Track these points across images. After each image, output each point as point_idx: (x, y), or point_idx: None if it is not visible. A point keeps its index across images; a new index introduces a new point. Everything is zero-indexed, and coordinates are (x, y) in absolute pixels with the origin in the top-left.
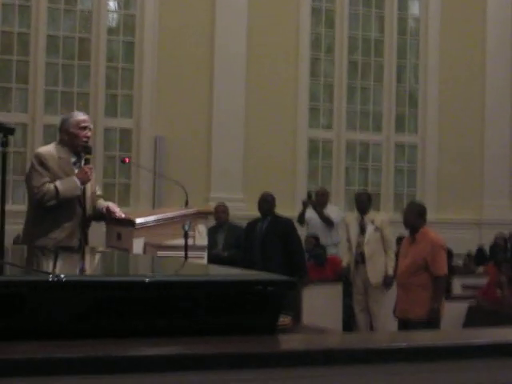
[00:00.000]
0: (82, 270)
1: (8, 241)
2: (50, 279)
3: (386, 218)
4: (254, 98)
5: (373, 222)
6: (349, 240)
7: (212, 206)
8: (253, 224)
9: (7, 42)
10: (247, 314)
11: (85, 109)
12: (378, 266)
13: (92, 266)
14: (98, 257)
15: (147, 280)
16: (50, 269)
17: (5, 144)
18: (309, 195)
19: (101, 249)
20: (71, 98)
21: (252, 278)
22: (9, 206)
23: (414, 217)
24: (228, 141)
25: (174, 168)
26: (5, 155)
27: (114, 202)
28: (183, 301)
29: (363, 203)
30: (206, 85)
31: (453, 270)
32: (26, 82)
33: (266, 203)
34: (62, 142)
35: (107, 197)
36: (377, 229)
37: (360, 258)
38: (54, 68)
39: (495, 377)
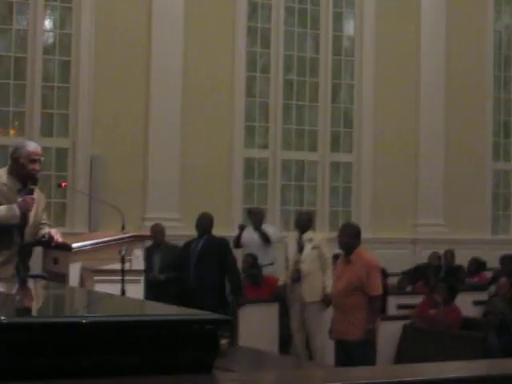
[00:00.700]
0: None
1: None
2: None
3: (325, 236)
4: (189, 116)
5: (311, 241)
6: (287, 259)
7: (148, 225)
8: (189, 244)
9: None
10: (184, 353)
11: (20, 128)
12: (315, 284)
13: (28, 304)
14: (34, 293)
15: (84, 321)
16: None
17: None
18: (249, 211)
19: (37, 281)
20: (7, 117)
21: (189, 318)
22: None
23: (349, 238)
24: (164, 160)
25: (110, 187)
26: None
27: (49, 221)
28: (120, 341)
29: (303, 222)
30: (142, 104)
31: (387, 290)
32: None
33: (203, 223)
34: (9, 169)
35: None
36: (315, 247)
37: (296, 276)
38: None
39: None
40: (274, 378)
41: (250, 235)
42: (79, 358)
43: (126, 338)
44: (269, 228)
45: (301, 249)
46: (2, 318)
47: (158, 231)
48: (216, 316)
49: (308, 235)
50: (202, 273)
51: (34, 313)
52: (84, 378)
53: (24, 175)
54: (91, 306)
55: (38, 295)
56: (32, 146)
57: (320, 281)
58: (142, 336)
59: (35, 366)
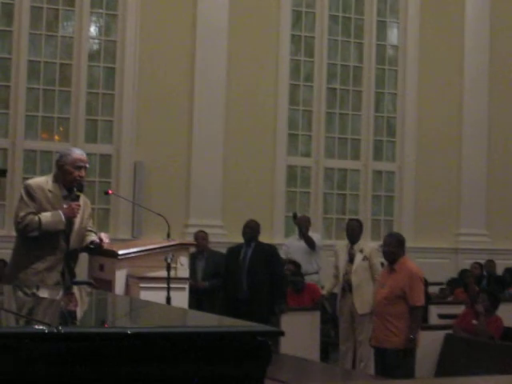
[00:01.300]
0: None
1: None
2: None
3: (375, 247)
4: (233, 124)
5: (362, 251)
6: (336, 267)
7: (191, 232)
8: (235, 250)
9: None
10: (237, 365)
11: (65, 134)
12: (366, 295)
13: (73, 313)
14: (79, 300)
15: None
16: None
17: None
18: (294, 215)
19: (83, 287)
20: (51, 123)
21: (243, 330)
22: None
23: (394, 248)
24: (207, 167)
25: (153, 193)
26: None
27: (94, 228)
28: (172, 352)
29: (354, 231)
30: (185, 111)
31: (429, 299)
32: (7, 107)
33: (251, 230)
34: (55, 176)
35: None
36: (365, 258)
37: (347, 287)
38: (35, 93)
39: None
40: None
41: (295, 241)
42: (131, 367)
43: (179, 349)
44: (314, 235)
45: (351, 259)
46: (53, 327)
47: (201, 237)
48: (269, 328)
49: (359, 246)
50: (254, 281)
51: (78, 322)
52: None
53: (70, 182)
54: (141, 314)
55: (83, 303)
56: (78, 153)
57: (370, 292)
58: (194, 347)
59: (80, 375)
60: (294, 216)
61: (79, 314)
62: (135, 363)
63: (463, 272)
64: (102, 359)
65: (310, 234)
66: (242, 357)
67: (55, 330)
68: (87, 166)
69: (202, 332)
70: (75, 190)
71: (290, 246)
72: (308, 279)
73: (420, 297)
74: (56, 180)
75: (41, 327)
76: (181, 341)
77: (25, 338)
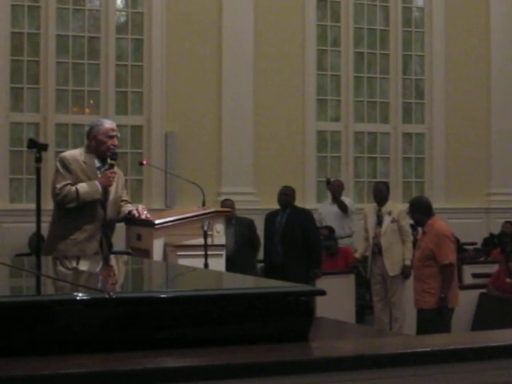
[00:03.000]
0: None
1: (24, 239)
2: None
3: (403, 208)
4: (262, 92)
5: (390, 214)
6: (366, 230)
7: (223, 199)
8: (272, 216)
9: (17, 42)
10: (282, 324)
11: (95, 107)
12: (396, 257)
13: (122, 279)
14: (123, 269)
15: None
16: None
17: (39, 160)
18: (328, 181)
19: (122, 257)
20: (82, 97)
21: (287, 290)
22: (23, 205)
23: (418, 215)
24: (237, 135)
25: (184, 163)
26: (39, 170)
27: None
28: (223, 313)
29: (381, 194)
30: (214, 80)
31: (462, 259)
32: (37, 82)
33: (286, 196)
34: (88, 148)
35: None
36: (394, 220)
37: (377, 250)
38: (64, 67)
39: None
40: (361, 345)
41: (327, 206)
42: (180, 329)
43: (224, 310)
44: (346, 199)
45: (380, 222)
46: (111, 293)
47: (227, 206)
48: (311, 288)
49: (387, 208)
50: (289, 246)
51: (127, 287)
52: (181, 348)
53: (103, 152)
54: (187, 279)
55: (126, 270)
56: (108, 123)
57: (400, 253)
58: (240, 308)
59: (131, 338)
60: (328, 182)
61: (125, 280)
62: (184, 325)
63: (497, 235)
64: (152, 322)
65: (343, 198)
66: (285, 317)
67: (107, 296)
68: (118, 135)
69: (247, 293)
70: (109, 159)
71: (323, 212)
72: (341, 243)
73: (448, 255)
74: (89, 151)
75: (94, 293)
76: (226, 302)
77: (79, 304)
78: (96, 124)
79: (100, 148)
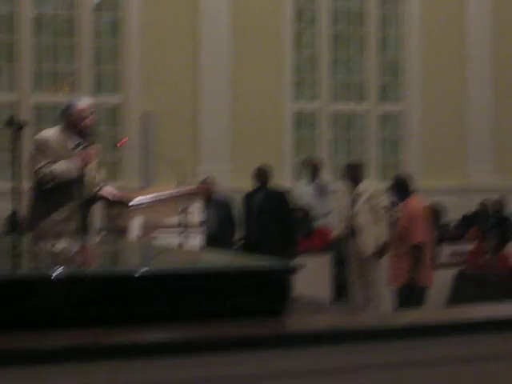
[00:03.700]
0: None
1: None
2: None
3: (378, 187)
4: (239, 71)
5: (363, 193)
6: (341, 210)
7: (201, 179)
8: (248, 196)
9: None
10: (258, 299)
11: (72, 86)
12: (370, 236)
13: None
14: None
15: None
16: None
17: (17, 138)
18: (305, 160)
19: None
20: (58, 76)
21: (263, 266)
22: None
23: (397, 192)
24: (215, 114)
25: (162, 142)
26: (17, 149)
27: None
28: (201, 289)
29: (353, 174)
30: (191, 59)
31: (440, 237)
32: (13, 61)
33: (262, 175)
34: (64, 127)
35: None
36: (368, 199)
37: (352, 229)
38: (41, 46)
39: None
40: (336, 320)
41: (303, 187)
42: (156, 304)
43: (204, 286)
44: (324, 178)
45: (354, 201)
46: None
47: (208, 183)
48: (288, 264)
49: (360, 187)
50: (265, 225)
51: (100, 265)
52: (165, 323)
53: (79, 130)
54: (168, 257)
55: (102, 249)
56: (83, 102)
57: (375, 232)
58: (218, 284)
59: (103, 314)
60: (306, 161)
61: (102, 258)
62: (161, 302)
63: (473, 214)
64: (128, 299)
65: (321, 176)
66: (263, 292)
67: (81, 273)
68: (94, 114)
69: (225, 270)
70: (86, 138)
71: (299, 192)
72: (319, 222)
73: (419, 235)
74: (64, 131)
75: (68, 270)
76: (204, 278)
77: (53, 282)
78: (70, 103)
79: (75, 127)
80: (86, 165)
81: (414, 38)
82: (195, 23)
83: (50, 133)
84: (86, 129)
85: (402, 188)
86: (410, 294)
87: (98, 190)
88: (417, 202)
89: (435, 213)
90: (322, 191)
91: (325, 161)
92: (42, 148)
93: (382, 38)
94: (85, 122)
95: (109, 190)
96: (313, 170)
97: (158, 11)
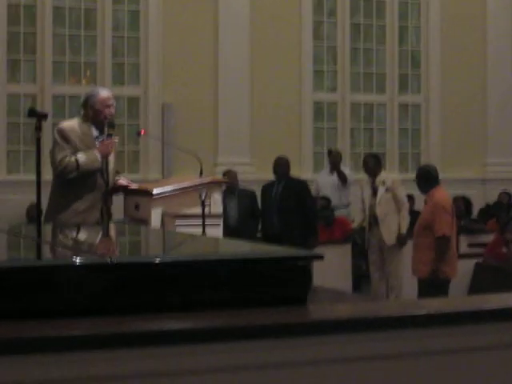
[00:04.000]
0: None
1: (22, 210)
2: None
3: (397, 178)
4: (258, 63)
5: (384, 184)
6: (362, 201)
7: (220, 171)
8: (267, 188)
9: (14, 14)
10: (281, 288)
11: (92, 78)
12: (392, 226)
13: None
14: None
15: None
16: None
17: (39, 129)
18: (329, 151)
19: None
20: (79, 68)
21: (286, 255)
22: (21, 176)
23: (422, 182)
24: (234, 106)
25: (181, 134)
26: (39, 140)
27: (123, 169)
28: (223, 277)
29: (371, 166)
30: (211, 51)
31: (460, 229)
32: (34, 53)
33: (281, 167)
34: (85, 117)
35: (117, 164)
36: (388, 190)
37: (373, 220)
38: (61, 38)
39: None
40: (358, 309)
41: (325, 176)
42: (179, 292)
43: (228, 273)
44: (345, 169)
45: (375, 192)
46: (112, 258)
47: (231, 177)
48: (309, 252)
49: (380, 178)
50: (285, 216)
51: (128, 253)
52: (184, 312)
53: (100, 121)
54: (189, 245)
55: (127, 237)
56: (104, 92)
57: (396, 223)
58: (242, 272)
59: (134, 300)
60: (329, 152)
61: (126, 247)
62: (184, 290)
63: (493, 205)
64: (152, 287)
65: (342, 168)
66: (284, 281)
67: (109, 261)
68: (115, 103)
69: (247, 258)
70: (107, 127)
71: (320, 181)
72: (338, 213)
73: (443, 227)
74: (86, 121)
75: (96, 259)
76: (226, 267)
77: (82, 270)
78: (92, 93)
79: (97, 117)
80: (108, 154)
81: (434, 29)
82: (215, 15)
83: (72, 122)
84: (107, 119)
85: (426, 179)
86: (433, 286)
87: (117, 181)
88: (442, 194)
89: (466, 204)
90: (343, 182)
91: (345, 152)
92: (65, 137)
93: (401, 28)
94: (106, 111)
95: (124, 182)
96: (336, 160)
97: (179, 3)
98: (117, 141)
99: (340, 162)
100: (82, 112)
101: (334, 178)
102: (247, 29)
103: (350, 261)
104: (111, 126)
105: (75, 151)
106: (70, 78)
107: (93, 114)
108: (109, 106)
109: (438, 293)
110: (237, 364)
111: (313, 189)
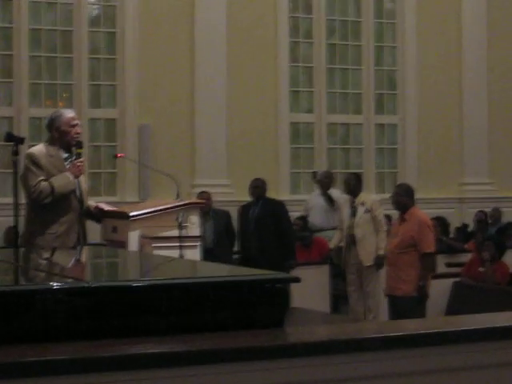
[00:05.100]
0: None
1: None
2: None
3: (376, 199)
4: (235, 84)
5: (363, 204)
6: (341, 221)
7: (197, 192)
8: (245, 209)
9: None
10: (258, 310)
11: (69, 100)
12: (370, 247)
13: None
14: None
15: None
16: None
17: (16, 153)
18: (314, 175)
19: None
20: (55, 90)
21: (264, 277)
22: None
23: (404, 197)
24: (211, 128)
25: (158, 156)
26: (16, 164)
27: (100, 192)
28: (200, 300)
29: (352, 186)
30: (187, 72)
31: (438, 248)
32: (11, 76)
33: (258, 188)
34: (51, 140)
35: (94, 187)
36: (367, 210)
37: (351, 240)
38: (38, 61)
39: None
40: (336, 330)
41: (316, 197)
42: (157, 316)
43: (201, 298)
44: (334, 191)
45: (354, 212)
46: (90, 282)
47: (204, 198)
48: (286, 275)
49: (360, 198)
50: (262, 238)
51: (105, 277)
52: (163, 336)
53: (67, 142)
54: (163, 268)
55: (103, 261)
56: (68, 112)
57: (374, 244)
58: (216, 295)
59: (108, 326)
60: (314, 175)
61: (103, 270)
62: (161, 313)
63: (475, 221)
64: (129, 310)
65: (331, 190)
66: (261, 303)
67: (86, 285)
68: (80, 122)
69: (224, 281)
70: (75, 148)
71: (311, 202)
72: (323, 235)
73: (430, 244)
74: (53, 144)
75: (74, 283)
76: (203, 290)
77: (59, 294)
78: (56, 115)
79: (64, 138)
80: (80, 174)
81: (411, 51)
82: (191, 37)
83: (40, 147)
84: (74, 139)
85: (408, 195)
86: (418, 304)
87: (93, 207)
88: (422, 212)
89: (443, 225)
90: (330, 205)
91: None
92: (36, 162)
93: (377, 49)
94: (73, 132)
95: (102, 206)
96: (322, 183)
97: (155, 26)
98: (84, 162)
99: (329, 183)
100: (49, 135)
101: (324, 199)
102: (224, 50)
103: (328, 281)
104: (79, 145)
105: (48, 175)
106: (46, 101)
107: (59, 135)
108: (74, 126)
109: (419, 310)
110: None
111: (302, 208)
